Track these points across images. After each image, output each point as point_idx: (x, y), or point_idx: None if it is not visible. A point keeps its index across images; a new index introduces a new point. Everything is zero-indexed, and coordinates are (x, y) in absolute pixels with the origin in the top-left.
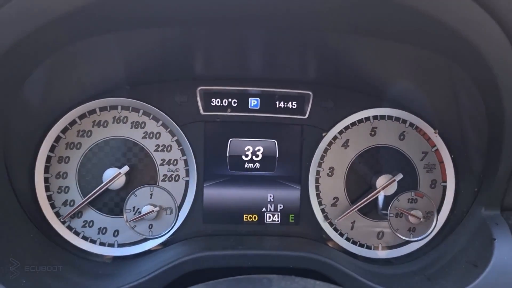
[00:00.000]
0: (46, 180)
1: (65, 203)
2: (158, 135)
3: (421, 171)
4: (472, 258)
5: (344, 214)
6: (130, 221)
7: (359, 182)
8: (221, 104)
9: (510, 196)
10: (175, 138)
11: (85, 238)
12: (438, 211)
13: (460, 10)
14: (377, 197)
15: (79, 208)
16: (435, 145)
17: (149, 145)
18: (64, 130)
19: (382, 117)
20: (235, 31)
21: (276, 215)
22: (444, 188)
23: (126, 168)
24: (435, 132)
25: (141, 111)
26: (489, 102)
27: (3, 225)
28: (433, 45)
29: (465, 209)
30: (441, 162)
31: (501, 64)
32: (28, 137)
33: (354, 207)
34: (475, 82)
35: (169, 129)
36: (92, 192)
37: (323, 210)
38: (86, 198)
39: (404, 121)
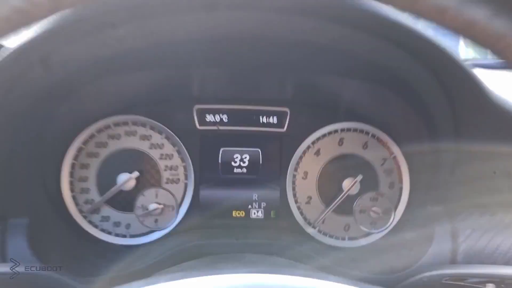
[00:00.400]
0: (70, 183)
1: (86, 202)
2: (162, 145)
3: (381, 174)
4: (417, 247)
5: (321, 216)
6: (139, 216)
7: (329, 183)
8: (214, 120)
9: (451, 194)
10: (176, 148)
11: (102, 230)
12: (395, 208)
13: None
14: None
15: (97, 205)
16: (393, 153)
17: (155, 154)
18: (85, 142)
19: (349, 129)
20: (223, 68)
21: (260, 211)
22: (401, 188)
23: (136, 173)
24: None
25: (148, 126)
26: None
27: (37, 219)
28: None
29: (416, 207)
30: (398, 167)
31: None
32: (56, 148)
33: (329, 208)
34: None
35: (171, 140)
36: (108, 193)
37: (298, 207)
38: (102, 197)
39: (367, 133)
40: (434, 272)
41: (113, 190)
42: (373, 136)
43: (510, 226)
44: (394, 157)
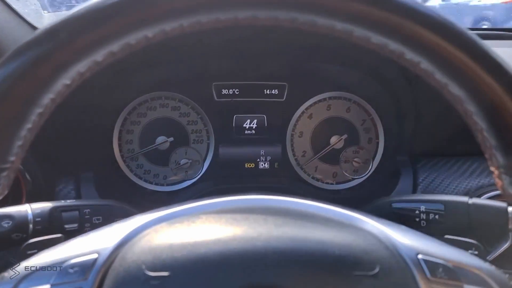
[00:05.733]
0: (119, 145)
1: (132, 159)
2: (188, 114)
3: (361, 132)
4: (388, 187)
5: (309, 161)
6: (173, 169)
7: (319, 140)
8: (228, 93)
9: (413, 146)
10: (199, 116)
11: (146, 181)
12: (373, 158)
13: None
14: (337, 150)
15: (138, 155)
16: (371, 115)
17: (183, 121)
18: (129, 113)
19: (335, 97)
20: (236, 55)
21: (266, 163)
22: (377, 143)
23: (171, 139)
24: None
25: (177, 99)
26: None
27: (98, 173)
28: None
29: (389, 157)
30: (375, 126)
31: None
32: (108, 118)
33: (315, 156)
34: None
35: (195, 110)
36: (146, 148)
37: (296, 159)
38: (142, 150)
39: (350, 100)
40: (386, 199)
41: (151, 147)
42: (354, 102)
43: (458, 172)
44: (372, 118)
